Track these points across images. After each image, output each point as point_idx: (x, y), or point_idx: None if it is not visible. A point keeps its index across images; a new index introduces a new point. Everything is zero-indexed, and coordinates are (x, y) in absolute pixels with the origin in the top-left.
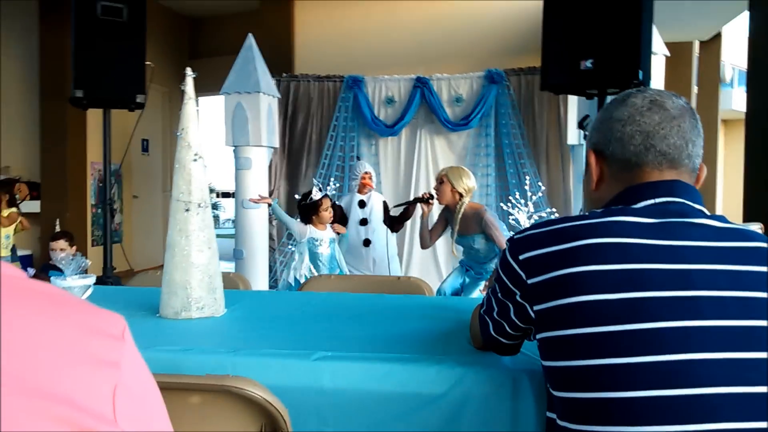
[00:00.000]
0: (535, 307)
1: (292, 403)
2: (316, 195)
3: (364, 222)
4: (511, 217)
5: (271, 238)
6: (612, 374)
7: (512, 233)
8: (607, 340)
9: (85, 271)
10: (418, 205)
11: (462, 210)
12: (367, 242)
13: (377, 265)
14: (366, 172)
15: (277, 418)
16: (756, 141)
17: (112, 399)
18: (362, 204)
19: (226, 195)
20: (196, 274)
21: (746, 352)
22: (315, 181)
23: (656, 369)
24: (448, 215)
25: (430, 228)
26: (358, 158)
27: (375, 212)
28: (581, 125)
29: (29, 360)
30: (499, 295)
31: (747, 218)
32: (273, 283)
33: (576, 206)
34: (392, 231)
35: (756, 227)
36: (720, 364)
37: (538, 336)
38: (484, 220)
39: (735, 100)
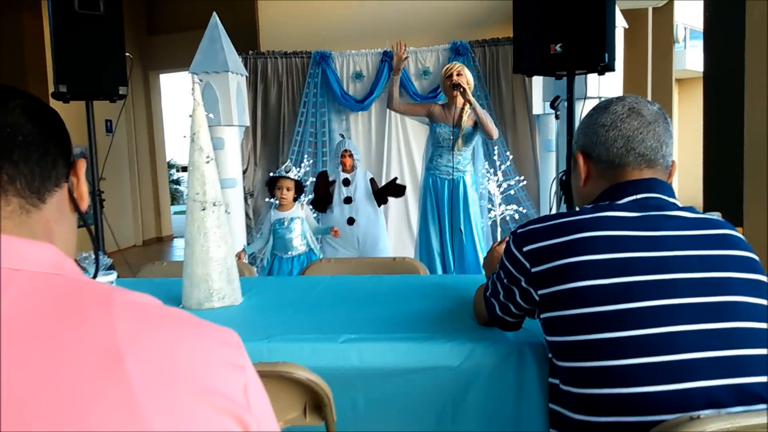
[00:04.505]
0: (539, 292)
1: (326, 381)
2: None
3: (348, 200)
4: (481, 186)
5: (247, 216)
6: (606, 346)
7: (515, 226)
8: (602, 318)
9: (107, 269)
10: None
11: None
12: (350, 221)
13: (362, 243)
14: (345, 150)
15: (321, 395)
16: (713, 103)
17: (245, 394)
18: (347, 182)
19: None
20: (215, 268)
21: (715, 323)
22: (289, 159)
23: (643, 340)
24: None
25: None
26: (342, 136)
27: (359, 190)
28: (553, 105)
29: (193, 367)
30: (505, 281)
31: (707, 181)
32: (251, 260)
33: (543, 173)
34: (378, 204)
35: (715, 215)
36: (694, 335)
37: (542, 315)
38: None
39: (688, 59)
